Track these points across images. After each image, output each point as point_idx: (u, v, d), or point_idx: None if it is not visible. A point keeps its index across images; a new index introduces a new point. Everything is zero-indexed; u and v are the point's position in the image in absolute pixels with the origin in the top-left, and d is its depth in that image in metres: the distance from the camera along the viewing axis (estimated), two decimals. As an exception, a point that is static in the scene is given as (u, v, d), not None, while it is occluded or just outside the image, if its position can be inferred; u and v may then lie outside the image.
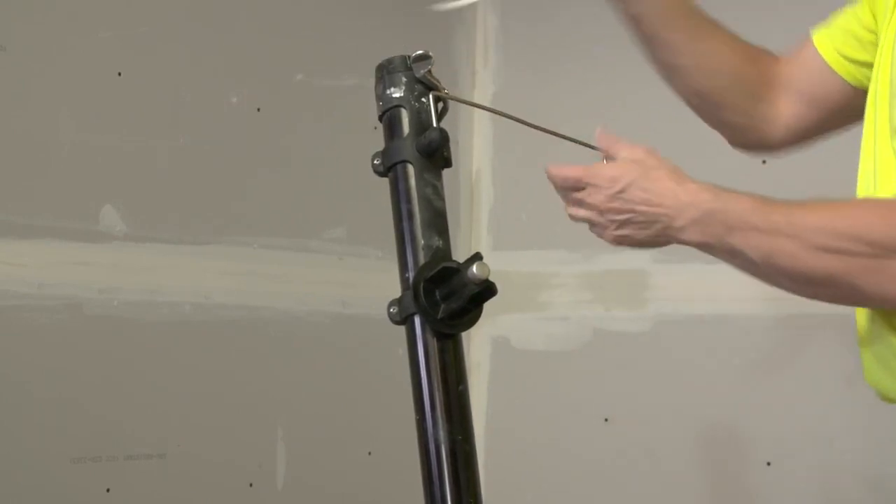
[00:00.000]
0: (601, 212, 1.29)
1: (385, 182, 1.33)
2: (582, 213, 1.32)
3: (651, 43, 1.54)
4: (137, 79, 2.41)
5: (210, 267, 2.51)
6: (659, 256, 2.74)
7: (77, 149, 2.31)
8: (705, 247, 1.25)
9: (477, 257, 1.24)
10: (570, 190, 1.33)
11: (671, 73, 1.56)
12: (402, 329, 1.27)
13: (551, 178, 1.34)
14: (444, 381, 1.26)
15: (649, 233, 1.28)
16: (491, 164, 3.12)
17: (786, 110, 1.52)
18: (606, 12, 3.25)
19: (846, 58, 1.44)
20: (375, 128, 1.37)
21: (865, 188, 1.29)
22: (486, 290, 1.24)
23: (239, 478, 2.54)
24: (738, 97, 1.53)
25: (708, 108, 1.56)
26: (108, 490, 2.31)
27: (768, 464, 2.56)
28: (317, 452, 2.67)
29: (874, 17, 1.38)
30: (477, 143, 3.12)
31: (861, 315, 1.29)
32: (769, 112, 1.52)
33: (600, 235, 1.32)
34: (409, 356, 1.27)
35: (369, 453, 2.78)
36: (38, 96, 2.27)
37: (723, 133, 1.59)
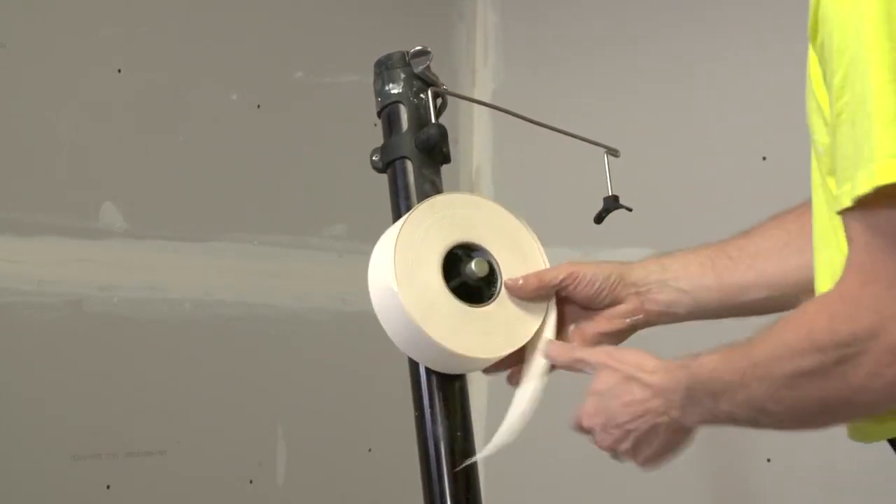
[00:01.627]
0: (613, 450, 1.20)
1: (385, 178, 1.33)
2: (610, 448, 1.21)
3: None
4: (137, 76, 2.41)
5: (210, 264, 2.51)
6: (659, 252, 2.73)
7: (77, 146, 2.31)
8: (711, 423, 1.14)
9: (475, 254, 1.25)
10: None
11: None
12: (402, 326, 1.27)
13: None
14: (444, 378, 1.26)
15: (661, 440, 1.16)
16: (491, 162, 3.12)
17: None
18: (606, 11, 3.25)
19: None
20: (375, 125, 1.37)
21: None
22: (485, 286, 1.24)
23: (239, 474, 2.54)
24: None
25: None
26: (108, 487, 2.31)
27: (768, 460, 2.56)
28: (317, 449, 2.67)
29: None
30: (477, 141, 3.12)
31: None
32: None
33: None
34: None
35: (369, 450, 2.78)
36: (37, 93, 2.27)
37: None
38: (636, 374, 1.16)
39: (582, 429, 1.21)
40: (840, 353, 0.96)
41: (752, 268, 1.30)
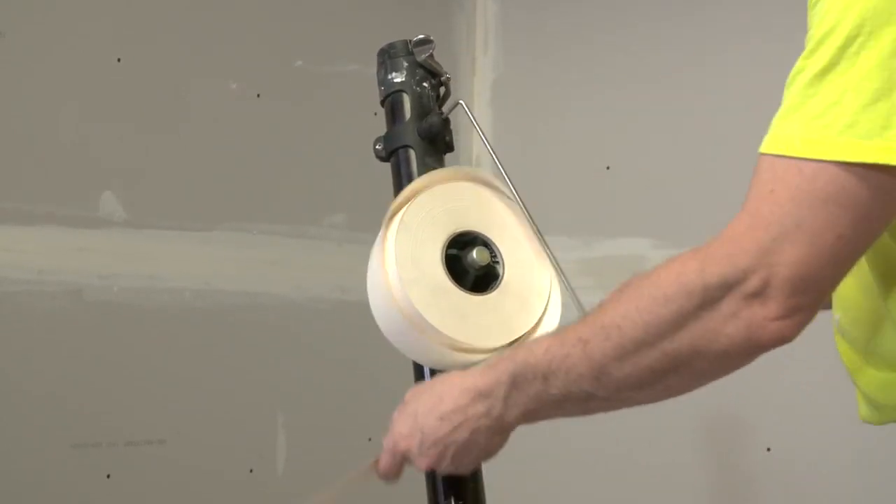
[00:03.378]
0: (433, 469, 1.13)
1: (384, 168, 1.33)
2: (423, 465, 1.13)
3: None
4: (137, 65, 2.41)
5: (210, 253, 2.51)
6: (658, 242, 2.74)
7: (76, 135, 2.31)
8: (532, 415, 1.06)
9: (476, 242, 1.24)
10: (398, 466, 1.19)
11: None
12: (403, 316, 1.26)
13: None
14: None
15: (481, 445, 1.08)
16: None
17: None
18: (606, 1, 3.24)
19: None
20: (375, 114, 1.37)
21: None
22: (487, 274, 1.24)
23: (239, 464, 2.54)
24: None
25: None
26: (108, 476, 2.31)
27: (768, 449, 2.56)
28: (317, 439, 2.67)
29: None
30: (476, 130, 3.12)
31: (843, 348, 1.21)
32: None
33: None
34: (410, 342, 1.27)
35: (369, 440, 2.78)
36: (37, 82, 2.26)
37: None
38: (445, 380, 1.11)
39: (396, 455, 1.15)
40: (705, 297, 0.94)
41: None
